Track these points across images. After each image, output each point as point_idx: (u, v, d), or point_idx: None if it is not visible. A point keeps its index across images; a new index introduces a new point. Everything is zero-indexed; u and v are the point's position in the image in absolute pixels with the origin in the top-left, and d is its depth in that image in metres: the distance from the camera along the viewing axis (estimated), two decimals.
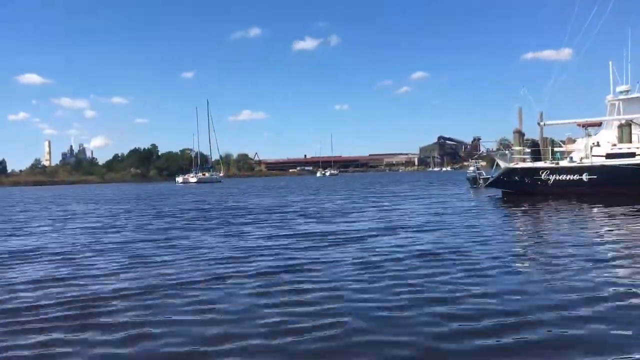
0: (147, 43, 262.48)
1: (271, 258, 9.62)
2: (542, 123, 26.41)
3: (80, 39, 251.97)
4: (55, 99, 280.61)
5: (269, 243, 11.66)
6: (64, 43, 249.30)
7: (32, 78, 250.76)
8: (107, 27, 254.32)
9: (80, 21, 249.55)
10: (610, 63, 27.78)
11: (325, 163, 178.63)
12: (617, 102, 26.43)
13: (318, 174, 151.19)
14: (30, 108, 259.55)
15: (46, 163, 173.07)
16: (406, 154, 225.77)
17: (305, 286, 7.28)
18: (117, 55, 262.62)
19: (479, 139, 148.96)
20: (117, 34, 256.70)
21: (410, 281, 7.37)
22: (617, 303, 5.95)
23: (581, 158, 24.74)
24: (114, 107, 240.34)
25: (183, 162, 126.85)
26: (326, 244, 11.34)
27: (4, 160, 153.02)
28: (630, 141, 23.97)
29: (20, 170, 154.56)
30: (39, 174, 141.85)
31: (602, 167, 23.23)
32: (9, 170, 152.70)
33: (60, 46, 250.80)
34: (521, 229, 13.70)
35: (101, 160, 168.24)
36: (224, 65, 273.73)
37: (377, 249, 10.35)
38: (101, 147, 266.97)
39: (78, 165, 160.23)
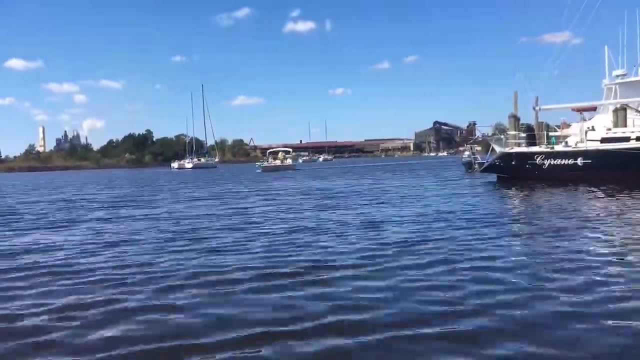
0: (134, 25, 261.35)
1: None
2: (537, 107, 26.29)
3: (65, 22, 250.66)
4: (44, 84, 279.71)
5: None
6: (48, 27, 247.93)
7: (17, 63, 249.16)
8: (92, 9, 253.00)
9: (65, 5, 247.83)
10: (606, 47, 27.65)
11: (320, 148, 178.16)
12: (613, 86, 26.33)
13: (300, 160, 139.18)
14: (18, 93, 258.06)
15: (40, 149, 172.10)
16: (402, 139, 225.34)
17: None
18: (103, 38, 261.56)
19: (475, 124, 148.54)
20: (103, 16, 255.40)
21: None
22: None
23: (576, 143, 24.66)
24: (104, 91, 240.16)
25: (178, 147, 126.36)
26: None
27: None
28: (625, 125, 23.90)
29: (15, 156, 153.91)
30: (33, 160, 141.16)
31: (597, 151, 23.16)
32: (2, 156, 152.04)
33: (45, 30, 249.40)
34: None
35: (95, 146, 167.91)
36: (218, 49, 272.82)
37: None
38: (94, 131, 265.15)
39: (72, 151, 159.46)
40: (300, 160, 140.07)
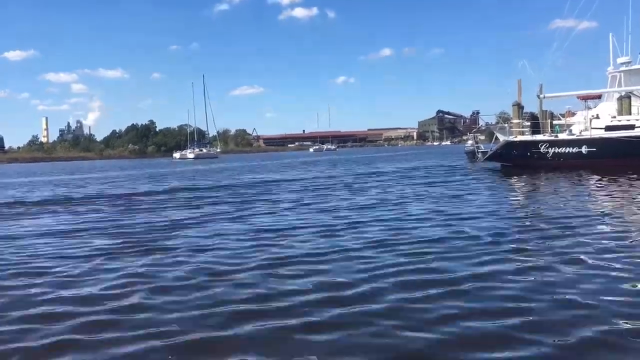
0: (128, 13, 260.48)
1: None
2: (541, 95, 26.13)
3: (56, 10, 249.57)
4: (41, 74, 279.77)
5: None
6: (40, 15, 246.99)
7: (12, 53, 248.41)
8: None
9: None
10: (610, 35, 27.42)
11: (323, 138, 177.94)
12: (617, 74, 26.14)
13: (311, 150, 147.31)
14: (17, 84, 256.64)
15: (44, 140, 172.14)
16: (405, 129, 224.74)
17: None
18: (101, 27, 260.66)
19: (478, 113, 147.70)
20: (94, 3, 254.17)
21: None
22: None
23: (580, 131, 24.55)
24: (103, 80, 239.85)
25: (181, 138, 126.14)
26: None
27: (1, 137, 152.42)
28: (630, 113, 23.77)
29: (18, 147, 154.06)
30: (36, 151, 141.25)
31: (602, 139, 23.05)
32: (6, 147, 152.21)
33: (37, 18, 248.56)
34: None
35: (97, 135, 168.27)
36: (217, 38, 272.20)
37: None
38: (96, 121, 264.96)
39: (76, 142, 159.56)
40: (312, 150, 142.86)
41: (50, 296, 5.91)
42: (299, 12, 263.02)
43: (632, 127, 22.73)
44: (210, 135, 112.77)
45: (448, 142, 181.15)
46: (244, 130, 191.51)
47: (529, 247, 7.56)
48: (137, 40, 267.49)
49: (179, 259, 7.59)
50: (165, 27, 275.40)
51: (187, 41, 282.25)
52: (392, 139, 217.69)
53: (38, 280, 6.64)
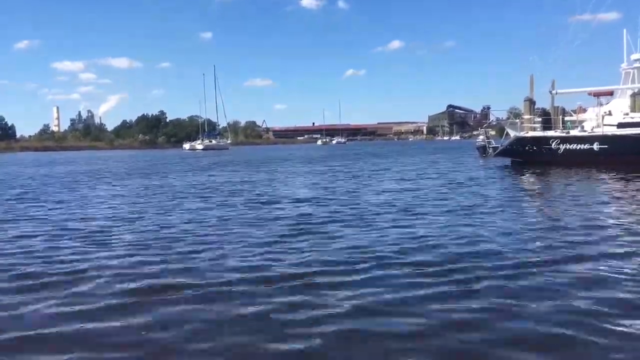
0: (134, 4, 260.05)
1: None
2: (553, 91, 25.96)
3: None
4: (50, 63, 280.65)
5: None
6: (47, 3, 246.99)
7: (21, 43, 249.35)
8: None
9: None
10: (624, 30, 27.12)
11: (333, 131, 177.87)
12: (631, 71, 25.90)
13: (319, 142, 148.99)
14: (25, 72, 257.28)
15: (55, 129, 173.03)
16: (415, 123, 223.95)
17: None
18: (109, 16, 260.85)
19: (489, 108, 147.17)
20: None
21: None
22: None
23: (592, 127, 24.38)
24: (113, 70, 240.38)
25: (192, 129, 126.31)
26: None
27: (13, 125, 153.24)
28: None
29: (30, 136, 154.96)
30: (47, 140, 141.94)
31: (614, 136, 22.87)
32: (17, 136, 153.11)
33: (45, 6, 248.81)
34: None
35: (108, 125, 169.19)
36: (230, 30, 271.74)
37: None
38: (107, 111, 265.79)
39: (87, 132, 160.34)
40: (319, 142, 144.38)
41: None
42: (308, 2, 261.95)
43: None
44: (221, 126, 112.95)
45: (458, 137, 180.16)
46: (254, 122, 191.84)
47: None
48: (146, 28, 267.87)
49: None
50: (175, 15, 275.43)
51: (197, 31, 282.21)
52: (402, 133, 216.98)
53: None
